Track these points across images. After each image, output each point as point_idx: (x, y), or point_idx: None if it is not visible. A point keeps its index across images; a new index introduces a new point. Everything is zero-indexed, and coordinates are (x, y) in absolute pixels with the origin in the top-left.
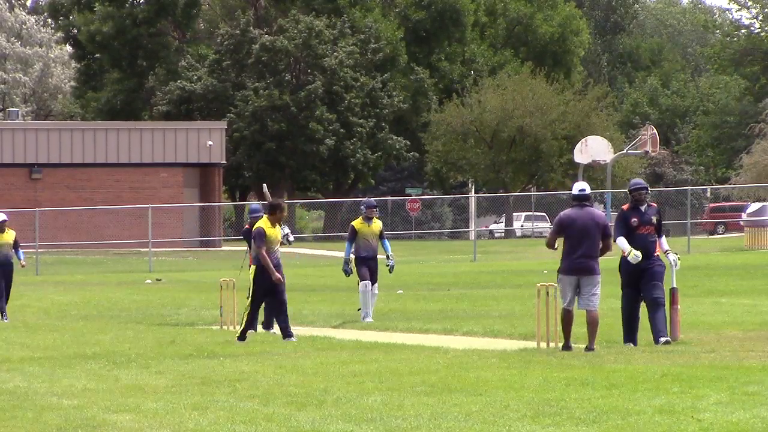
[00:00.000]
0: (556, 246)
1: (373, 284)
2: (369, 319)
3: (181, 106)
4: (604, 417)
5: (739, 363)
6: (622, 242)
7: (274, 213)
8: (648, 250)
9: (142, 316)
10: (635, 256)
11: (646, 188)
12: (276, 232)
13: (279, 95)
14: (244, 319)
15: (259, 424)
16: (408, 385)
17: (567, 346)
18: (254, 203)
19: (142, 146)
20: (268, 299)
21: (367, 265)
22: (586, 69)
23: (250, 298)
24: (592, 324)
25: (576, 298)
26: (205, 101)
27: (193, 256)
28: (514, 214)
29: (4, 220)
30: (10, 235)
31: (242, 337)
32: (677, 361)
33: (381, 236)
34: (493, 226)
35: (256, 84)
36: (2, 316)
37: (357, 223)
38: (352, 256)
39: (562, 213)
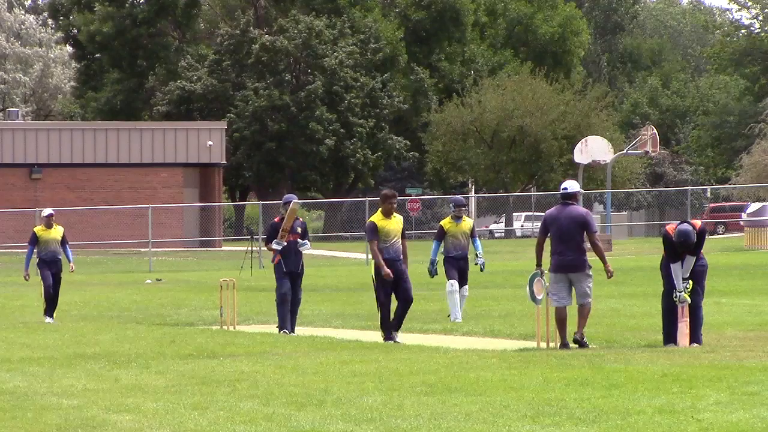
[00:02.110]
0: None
1: (462, 285)
2: (459, 319)
3: (181, 106)
4: (604, 417)
5: (739, 363)
6: (674, 273)
7: (383, 203)
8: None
9: (142, 316)
10: (682, 299)
11: (690, 246)
12: (392, 224)
13: (279, 95)
14: (380, 323)
15: (259, 424)
16: (408, 385)
17: (564, 344)
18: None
19: (142, 146)
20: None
21: (457, 266)
22: (586, 69)
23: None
24: (583, 313)
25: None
26: (205, 101)
27: (193, 256)
28: (514, 214)
29: (51, 215)
30: (57, 231)
31: (386, 337)
32: (677, 361)
33: (472, 235)
34: (493, 226)
35: (256, 84)
36: (46, 316)
37: (446, 222)
38: (440, 257)
39: (546, 212)
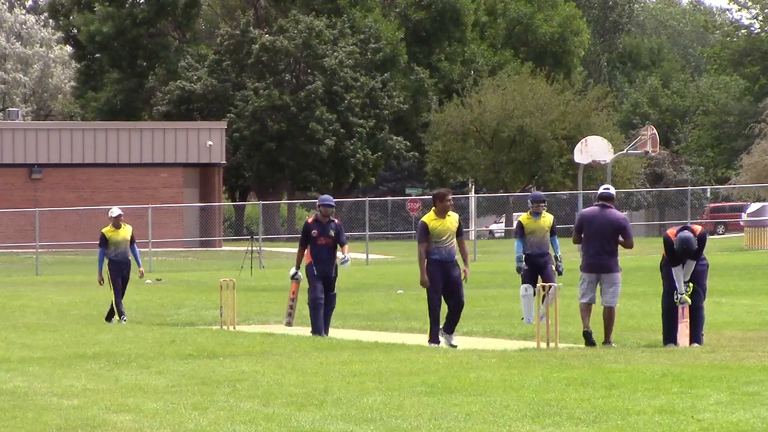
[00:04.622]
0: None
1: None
2: (531, 321)
3: (181, 106)
4: (604, 417)
5: (739, 363)
6: (676, 276)
7: (435, 204)
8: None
9: (142, 316)
10: (683, 301)
11: (691, 253)
12: (445, 224)
13: (279, 95)
14: (429, 322)
15: (259, 424)
16: (408, 385)
17: (587, 332)
18: (328, 195)
19: (142, 146)
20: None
21: (535, 264)
22: (586, 69)
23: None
24: (608, 319)
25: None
26: (205, 101)
27: (193, 256)
28: (514, 214)
29: (120, 215)
30: (127, 231)
31: (432, 339)
32: (677, 361)
33: (552, 232)
34: (493, 226)
35: (256, 84)
36: (120, 317)
37: (524, 218)
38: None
39: (583, 211)
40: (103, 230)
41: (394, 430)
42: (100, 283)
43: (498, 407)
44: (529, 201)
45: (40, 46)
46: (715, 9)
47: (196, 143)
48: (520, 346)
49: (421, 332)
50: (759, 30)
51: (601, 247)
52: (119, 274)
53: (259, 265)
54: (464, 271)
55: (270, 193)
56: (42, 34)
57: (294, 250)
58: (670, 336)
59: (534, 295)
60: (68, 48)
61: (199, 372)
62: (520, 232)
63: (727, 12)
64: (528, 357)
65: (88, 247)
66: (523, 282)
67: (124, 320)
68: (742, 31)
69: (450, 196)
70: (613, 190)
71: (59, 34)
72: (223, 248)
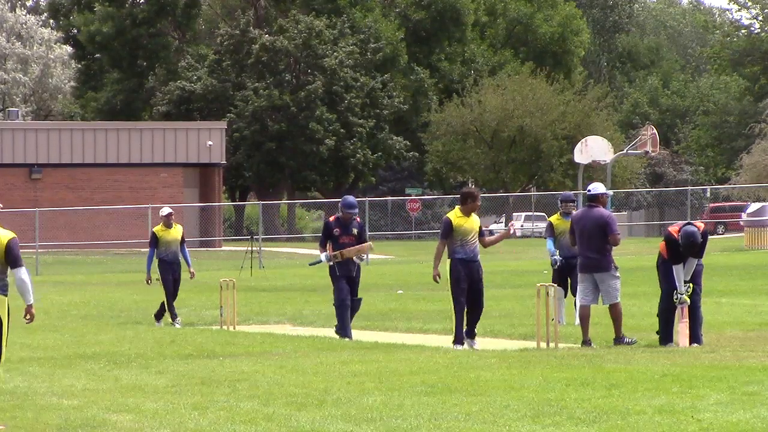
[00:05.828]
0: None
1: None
2: (563, 323)
3: (181, 106)
4: (604, 417)
5: (739, 363)
6: (676, 275)
7: (464, 203)
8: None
9: (142, 316)
10: (682, 301)
11: (695, 247)
12: (469, 223)
13: (279, 95)
14: (454, 322)
15: (259, 424)
16: (408, 385)
17: (585, 341)
18: (351, 198)
19: (142, 146)
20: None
21: (566, 265)
22: (586, 69)
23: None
24: (614, 316)
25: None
26: (205, 101)
27: (193, 256)
28: (514, 214)
29: (170, 213)
30: (177, 231)
31: (457, 341)
32: (677, 361)
33: None
34: (493, 226)
35: (256, 84)
36: (174, 320)
37: (554, 219)
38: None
39: (573, 213)
40: (154, 229)
41: (394, 430)
42: (148, 283)
43: (498, 407)
44: (559, 201)
45: (40, 46)
46: (715, 9)
47: (196, 143)
48: (520, 346)
49: (421, 332)
50: (759, 30)
51: (590, 247)
52: (169, 274)
53: (259, 265)
54: (509, 228)
55: (270, 193)
56: (42, 34)
57: (294, 250)
58: (667, 336)
59: (564, 296)
60: (68, 48)
61: (199, 372)
62: (551, 232)
63: (727, 12)
64: (528, 357)
65: (88, 247)
66: (554, 281)
67: (178, 323)
68: (742, 31)
69: (479, 194)
70: (597, 189)
71: (59, 34)
72: (223, 248)
